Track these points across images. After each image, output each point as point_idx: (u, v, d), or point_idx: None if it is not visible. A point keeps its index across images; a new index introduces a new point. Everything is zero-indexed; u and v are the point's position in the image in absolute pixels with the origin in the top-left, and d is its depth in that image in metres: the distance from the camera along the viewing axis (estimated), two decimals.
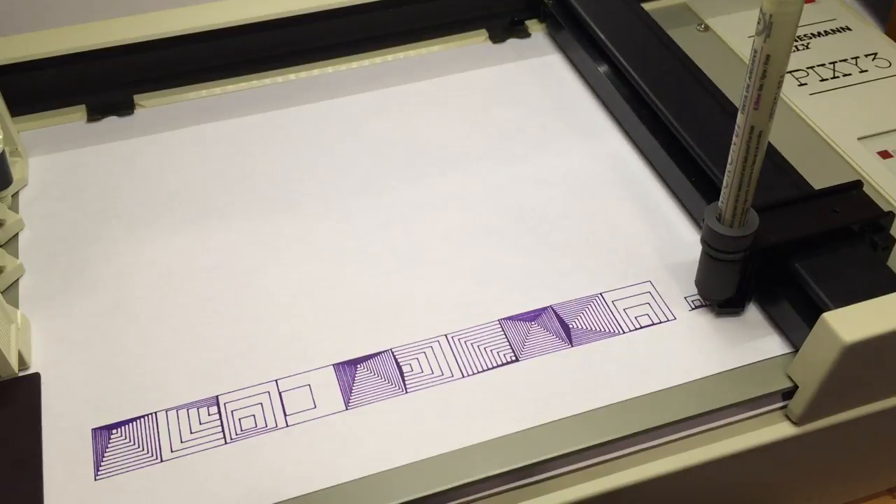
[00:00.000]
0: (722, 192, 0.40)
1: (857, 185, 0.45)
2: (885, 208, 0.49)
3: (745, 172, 0.38)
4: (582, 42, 0.59)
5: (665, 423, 0.40)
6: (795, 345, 0.42)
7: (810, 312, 0.40)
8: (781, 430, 0.41)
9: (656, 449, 0.40)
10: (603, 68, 0.57)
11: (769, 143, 0.48)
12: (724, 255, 0.41)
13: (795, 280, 0.42)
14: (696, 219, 0.49)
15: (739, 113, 0.37)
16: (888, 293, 0.40)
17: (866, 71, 0.58)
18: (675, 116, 0.50)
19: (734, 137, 0.38)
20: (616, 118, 0.56)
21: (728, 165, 0.39)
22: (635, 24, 0.58)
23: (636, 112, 0.53)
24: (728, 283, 0.43)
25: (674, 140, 0.50)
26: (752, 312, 0.44)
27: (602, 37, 0.57)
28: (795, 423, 0.41)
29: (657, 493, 0.41)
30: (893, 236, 0.44)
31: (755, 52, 0.35)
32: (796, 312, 0.42)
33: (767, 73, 0.35)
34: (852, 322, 0.38)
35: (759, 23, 0.34)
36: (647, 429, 0.40)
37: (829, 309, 0.39)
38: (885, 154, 0.52)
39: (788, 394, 0.41)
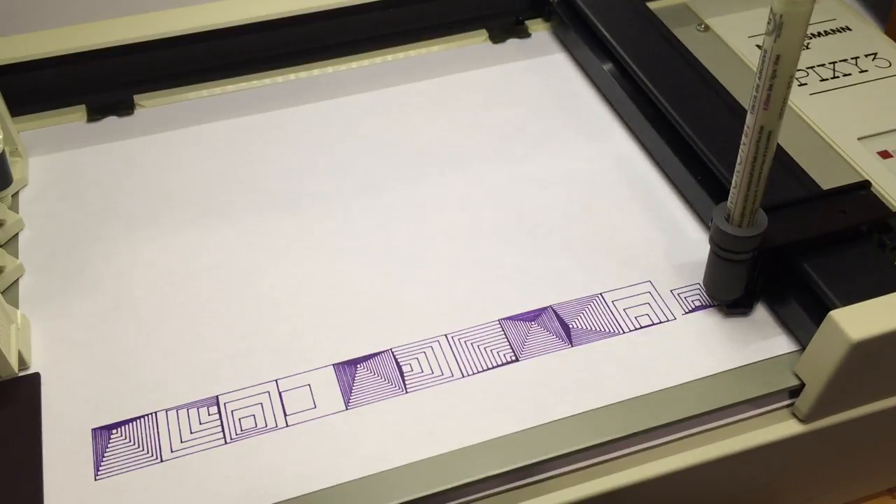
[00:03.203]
0: (731, 192, 0.40)
1: (865, 185, 0.45)
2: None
3: (755, 172, 0.38)
4: (587, 41, 0.59)
5: (666, 423, 0.40)
6: (802, 343, 0.42)
7: (818, 311, 0.40)
8: (788, 427, 0.41)
9: (657, 449, 0.40)
10: (608, 67, 0.57)
11: (777, 144, 0.48)
12: (733, 256, 0.41)
13: (804, 280, 0.42)
14: (702, 218, 0.49)
15: (749, 113, 0.37)
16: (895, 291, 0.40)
17: (866, 71, 0.58)
18: (681, 115, 0.50)
19: (743, 137, 0.38)
20: (621, 117, 0.56)
21: (737, 165, 0.39)
22: (641, 22, 0.58)
23: (642, 111, 0.53)
24: (736, 284, 0.43)
25: (680, 139, 0.50)
26: (759, 311, 0.44)
27: (608, 35, 0.57)
28: (802, 421, 0.41)
29: (658, 493, 0.40)
30: None
31: (765, 51, 0.35)
32: (804, 311, 0.42)
33: (777, 73, 0.35)
34: (859, 320, 0.38)
35: (769, 23, 0.34)
36: (647, 429, 0.40)
37: (836, 307, 0.39)
38: (885, 154, 0.52)
39: (795, 392, 0.41)
